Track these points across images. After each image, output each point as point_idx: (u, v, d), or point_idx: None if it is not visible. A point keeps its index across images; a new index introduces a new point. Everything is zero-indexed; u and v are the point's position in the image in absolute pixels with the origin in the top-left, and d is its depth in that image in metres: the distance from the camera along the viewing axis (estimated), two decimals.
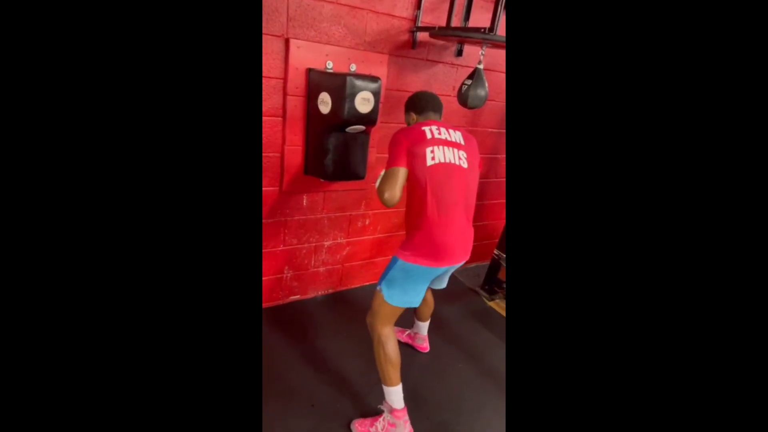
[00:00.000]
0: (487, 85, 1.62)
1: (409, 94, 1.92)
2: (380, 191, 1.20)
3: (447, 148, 1.24)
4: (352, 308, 2.09)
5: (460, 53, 1.94)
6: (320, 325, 1.91)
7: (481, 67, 1.60)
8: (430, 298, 1.69)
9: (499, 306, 2.27)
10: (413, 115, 1.41)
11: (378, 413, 1.41)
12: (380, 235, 2.21)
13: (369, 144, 1.74)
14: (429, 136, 1.24)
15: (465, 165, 1.26)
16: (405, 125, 1.42)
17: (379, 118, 1.64)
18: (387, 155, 1.27)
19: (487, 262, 2.44)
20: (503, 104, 2.25)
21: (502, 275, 2.31)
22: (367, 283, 2.31)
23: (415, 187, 1.24)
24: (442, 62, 1.93)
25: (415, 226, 1.26)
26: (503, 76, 2.15)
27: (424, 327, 1.81)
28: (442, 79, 1.97)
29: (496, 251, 2.31)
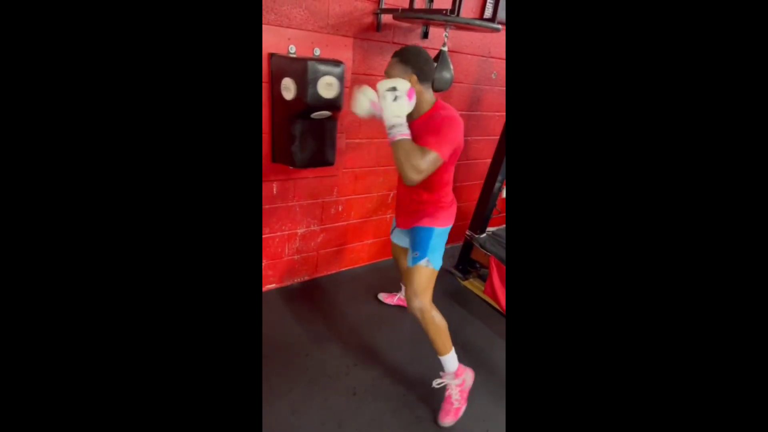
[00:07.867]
0: (452, 67, 1.63)
1: (376, 79, 1.91)
2: (412, 167, 1.11)
3: None
4: (329, 294, 2.10)
5: (426, 35, 1.93)
6: (296, 312, 1.93)
7: (445, 49, 1.60)
8: None
9: (472, 285, 2.34)
10: (414, 78, 1.17)
11: (443, 391, 1.46)
12: (354, 221, 2.22)
13: (337, 129, 1.72)
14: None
15: None
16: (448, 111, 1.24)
17: (346, 103, 1.62)
18: (432, 136, 1.14)
19: (460, 243, 2.49)
20: (470, 86, 2.26)
21: (474, 255, 2.37)
22: (344, 269, 2.33)
23: (445, 167, 1.32)
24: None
25: (445, 197, 1.42)
26: (470, 57, 2.16)
27: None
28: None
29: (468, 232, 2.36)
